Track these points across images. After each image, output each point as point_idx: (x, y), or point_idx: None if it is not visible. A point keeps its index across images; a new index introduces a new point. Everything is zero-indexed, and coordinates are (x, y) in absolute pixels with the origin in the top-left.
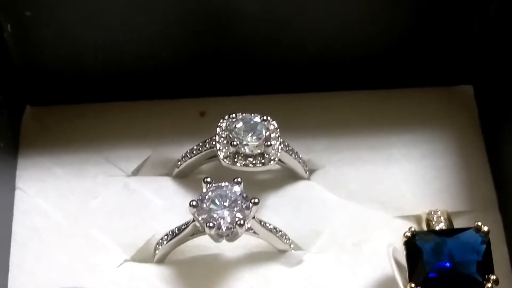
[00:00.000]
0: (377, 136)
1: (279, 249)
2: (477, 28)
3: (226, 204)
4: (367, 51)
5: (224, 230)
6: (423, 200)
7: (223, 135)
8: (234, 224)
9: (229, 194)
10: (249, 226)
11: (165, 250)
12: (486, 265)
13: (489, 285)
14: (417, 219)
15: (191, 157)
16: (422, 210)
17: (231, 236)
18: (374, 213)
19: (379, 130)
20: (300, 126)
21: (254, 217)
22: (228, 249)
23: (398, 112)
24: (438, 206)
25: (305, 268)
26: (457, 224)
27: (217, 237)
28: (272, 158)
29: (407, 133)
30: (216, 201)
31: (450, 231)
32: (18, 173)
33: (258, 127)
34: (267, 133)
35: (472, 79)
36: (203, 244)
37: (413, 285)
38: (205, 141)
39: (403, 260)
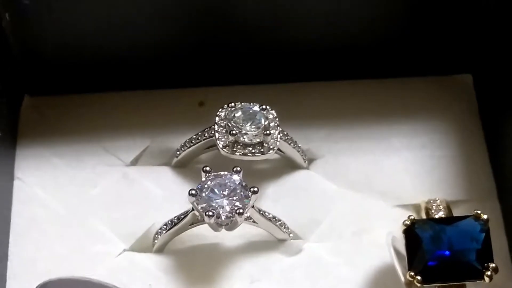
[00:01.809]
0: (376, 126)
1: (278, 238)
2: (476, 16)
3: (225, 193)
4: (366, 40)
5: (223, 219)
6: (422, 189)
7: (222, 124)
8: (233, 213)
9: (228, 183)
10: (248, 215)
11: (164, 240)
12: (486, 253)
13: (489, 273)
14: (416, 208)
15: (190, 146)
16: (421, 199)
17: (230, 225)
18: (374, 202)
19: (378, 120)
20: (299, 115)
21: (253, 206)
22: (227, 238)
23: (397, 102)
24: (437, 196)
25: (304, 257)
26: (456, 213)
27: (216, 226)
28: (271, 147)
29: (406, 123)
30: (215, 190)
31: (449, 219)
32: (16, 163)
33: (257, 116)
34: (266, 122)
35: (471, 68)
36: (202, 233)
37: (412, 273)
38: (204, 130)
39: (402, 249)
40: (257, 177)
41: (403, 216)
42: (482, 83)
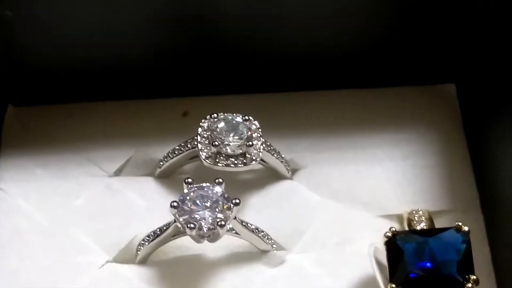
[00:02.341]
0: (359, 136)
1: (261, 249)
2: (459, 26)
3: (208, 204)
4: (349, 51)
5: (205, 231)
6: (405, 199)
7: (205, 135)
8: (215, 225)
9: (210, 195)
10: (230, 227)
11: (147, 251)
12: (466, 265)
13: (469, 285)
14: (399, 218)
15: (173, 157)
16: (404, 209)
17: (213, 236)
18: (357, 212)
19: (361, 130)
20: (282, 125)
21: (235, 218)
22: (210, 249)
23: (381, 112)
24: (420, 206)
25: (287, 268)
26: (439, 224)
27: (198, 238)
28: (254, 158)
29: (389, 133)
30: (197, 201)
31: (431, 231)
32: None
33: (240, 127)
34: (249, 133)
35: (454, 78)
36: (185, 245)
37: (393, 285)
38: (187, 141)
39: (384, 260)
40: (240, 187)
41: (385, 227)
42: (465, 93)
